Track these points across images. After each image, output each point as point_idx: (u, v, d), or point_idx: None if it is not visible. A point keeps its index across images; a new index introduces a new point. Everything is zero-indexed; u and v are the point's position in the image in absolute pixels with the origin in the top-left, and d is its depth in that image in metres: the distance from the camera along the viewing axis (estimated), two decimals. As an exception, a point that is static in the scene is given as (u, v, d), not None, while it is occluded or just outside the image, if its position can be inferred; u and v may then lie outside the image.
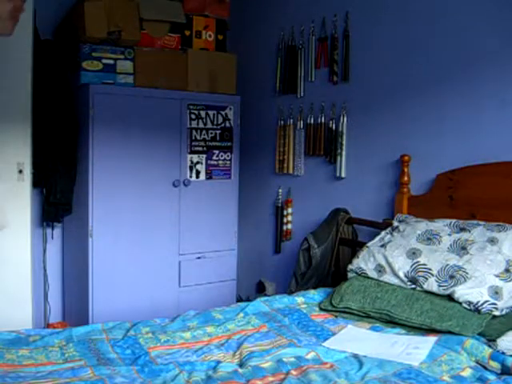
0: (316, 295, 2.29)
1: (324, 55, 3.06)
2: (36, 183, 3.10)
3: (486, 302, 1.87)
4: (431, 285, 2.02)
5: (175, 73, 3.33)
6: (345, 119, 2.92)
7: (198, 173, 3.42)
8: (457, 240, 2.10)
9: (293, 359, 1.65)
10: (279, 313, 2.11)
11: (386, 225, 2.52)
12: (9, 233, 2.66)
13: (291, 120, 3.27)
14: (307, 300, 2.25)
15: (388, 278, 2.15)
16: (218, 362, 1.63)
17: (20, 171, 2.68)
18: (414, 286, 2.08)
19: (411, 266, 2.10)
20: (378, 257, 2.21)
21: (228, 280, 3.59)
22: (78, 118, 3.26)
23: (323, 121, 3.06)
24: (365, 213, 2.80)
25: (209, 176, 3.46)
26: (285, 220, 3.33)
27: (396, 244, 2.22)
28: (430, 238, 2.16)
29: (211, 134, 3.45)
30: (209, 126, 3.44)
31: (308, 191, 3.21)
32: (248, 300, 2.96)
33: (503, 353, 1.65)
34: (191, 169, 3.40)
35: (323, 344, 1.81)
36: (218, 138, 3.48)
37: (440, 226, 2.21)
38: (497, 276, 1.92)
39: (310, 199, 3.20)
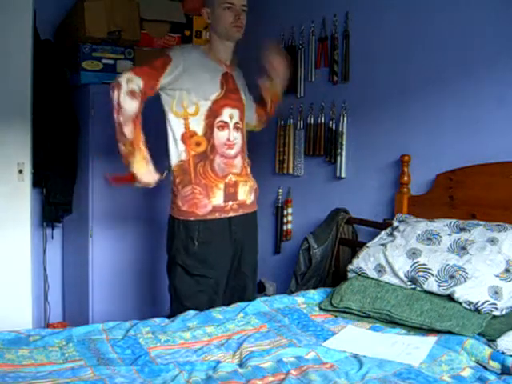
0: (316, 295, 2.29)
1: (324, 55, 3.06)
2: (36, 183, 3.10)
3: (486, 301, 1.87)
4: (431, 285, 2.02)
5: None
6: (345, 119, 2.92)
7: (198, 172, 3.41)
8: (457, 240, 2.10)
9: (293, 359, 1.65)
10: (279, 313, 2.11)
11: (386, 225, 2.52)
12: (9, 233, 2.67)
13: (291, 120, 3.27)
14: (307, 300, 2.24)
15: (388, 278, 2.15)
16: (218, 362, 1.63)
17: (20, 171, 2.67)
18: (414, 286, 2.08)
19: (411, 266, 2.09)
20: (378, 257, 2.21)
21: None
22: (78, 118, 3.26)
23: (323, 121, 3.05)
24: (365, 213, 2.80)
25: (209, 176, 3.45)
26: (285, 220, 3.32)
27: (396, 244, 2.22)
28: (429, 238, 2.16)
29: (211, 133, 3.44)
30: (209, 125, 3.43)
31: (308, 191, 3.21)
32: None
33: (503, 353, 1.65)
34: (191, 168, 3.39)
35: (323, 344, 1.81)
36: (218, 138, 3.47)
37: (440, 226, 2.21)
38: (497, 276, 1.92)
39: (310, 199, 3.20)
